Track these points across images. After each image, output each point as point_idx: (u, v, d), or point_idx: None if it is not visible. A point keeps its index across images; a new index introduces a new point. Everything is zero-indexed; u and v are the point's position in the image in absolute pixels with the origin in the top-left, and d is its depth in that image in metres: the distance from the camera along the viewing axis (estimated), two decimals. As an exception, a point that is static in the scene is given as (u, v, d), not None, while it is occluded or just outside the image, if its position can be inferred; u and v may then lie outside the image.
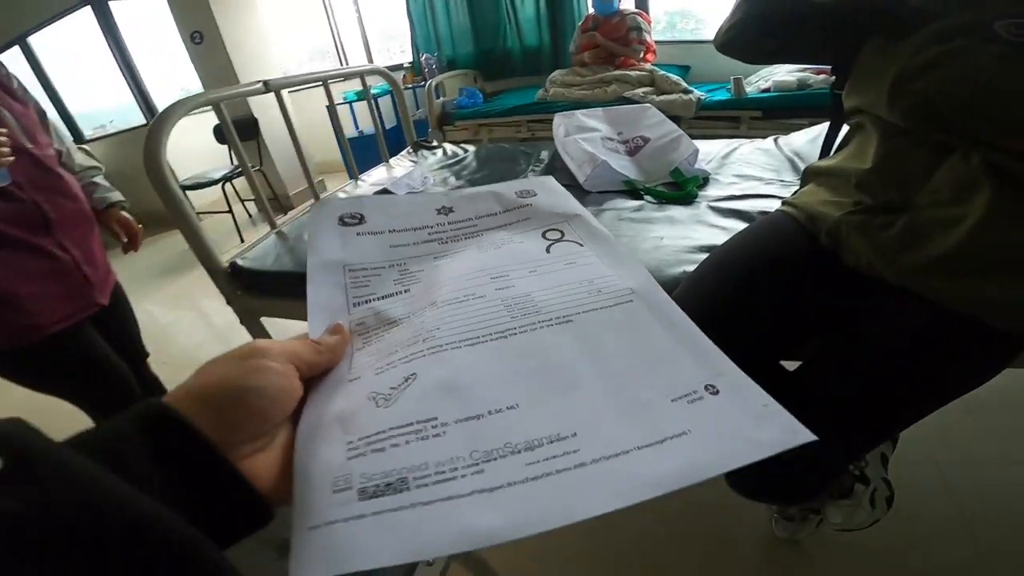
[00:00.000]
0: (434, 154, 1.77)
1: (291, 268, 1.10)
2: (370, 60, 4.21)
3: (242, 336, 1.21)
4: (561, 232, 0.43)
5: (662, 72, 2.62)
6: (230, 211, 3.23)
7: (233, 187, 3.31)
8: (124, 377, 1.06)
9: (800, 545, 1.01)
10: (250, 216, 3.63)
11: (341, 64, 4.28)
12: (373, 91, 3.31)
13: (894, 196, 0.63)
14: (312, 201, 1.48)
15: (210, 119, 3.45)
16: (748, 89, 2.52)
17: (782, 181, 1.26)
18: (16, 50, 3.66)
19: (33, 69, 3.72)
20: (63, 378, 0.99)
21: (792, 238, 0.72)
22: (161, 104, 3.81)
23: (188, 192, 3.24)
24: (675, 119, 2.43)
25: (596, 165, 1.25)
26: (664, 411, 0.27)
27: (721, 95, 2.60)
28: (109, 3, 3.52)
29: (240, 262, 1.12)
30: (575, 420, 0.26)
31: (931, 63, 0.59)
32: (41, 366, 0.95)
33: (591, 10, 2.97)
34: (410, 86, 3.60)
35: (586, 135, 1.42)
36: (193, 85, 3.69)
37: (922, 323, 0.59)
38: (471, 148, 1.76)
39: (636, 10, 2.95)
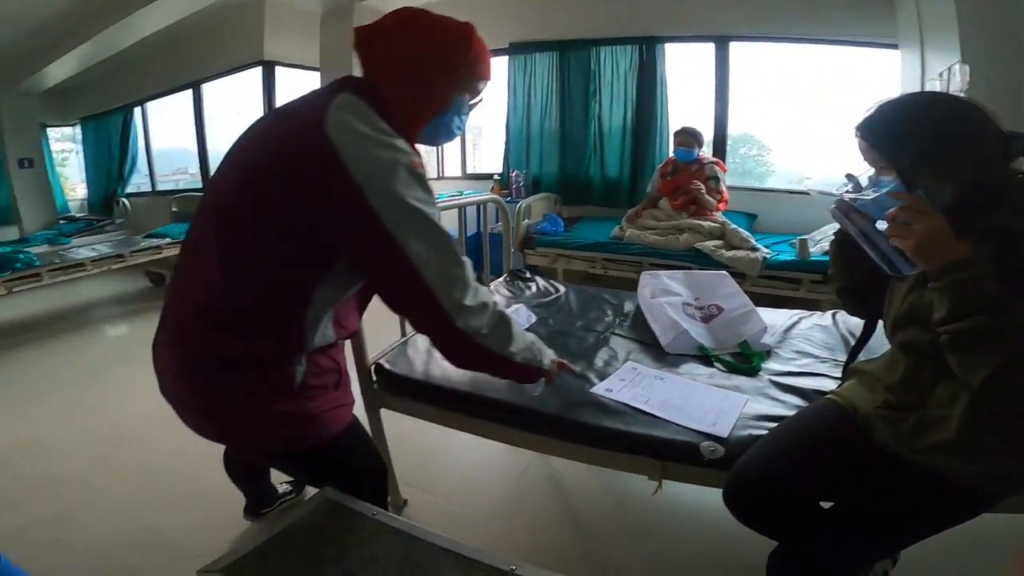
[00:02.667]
0: (528, 288, 2.16)
1: (421, 378, 1.46)
2: (463, 167, 4.89)
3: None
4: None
5: (733, 226, 2.99)
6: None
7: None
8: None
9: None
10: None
11: (438, 155, 5.01)
12: (463, 194, 3.83)
13: (913, 399, 0.96)
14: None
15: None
16: (813, 250, 2.84)
17: (835, 361, 1.51)
18: (188, 92, 5.05)
19: (195, 110, 5.02)
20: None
21: (837, 421, 1.07)
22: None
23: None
24: (740, 275, 2.78)
25: (678, 333, 1.58)
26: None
27: (785, 254, 2.94)
28: (275, 67, 4.48)
29: (384, 364, 1.50)
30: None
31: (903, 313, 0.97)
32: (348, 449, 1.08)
33: (671, 155, 3.44)
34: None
35: (669, 299, 1.77)
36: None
37: (920, 484, 0.92)
38: (560, 288, 2.14)
39: (714, 159, 3.35)
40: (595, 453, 1.26)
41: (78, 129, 6.71)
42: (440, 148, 4.94)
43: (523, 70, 4.25)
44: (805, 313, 1.92)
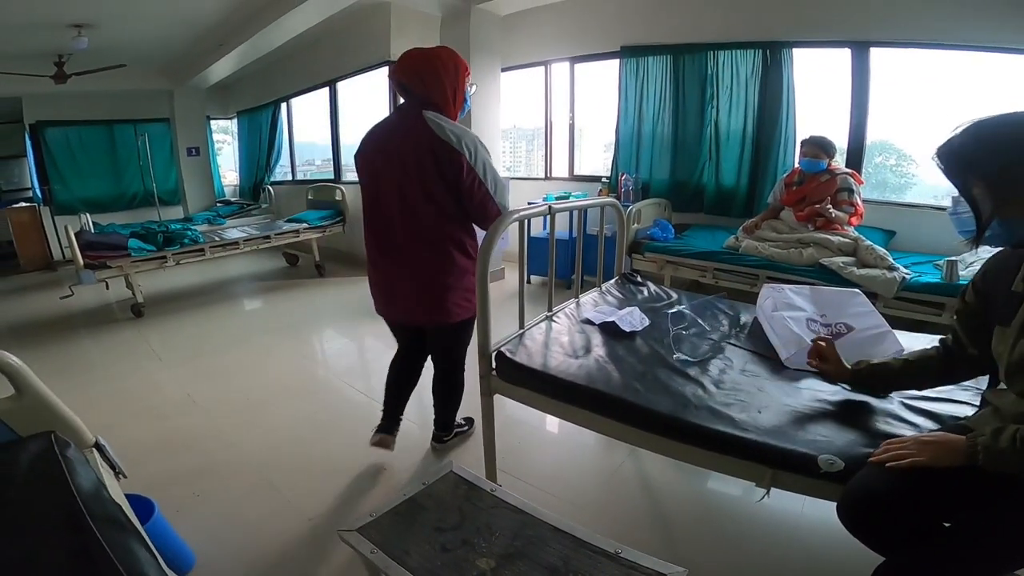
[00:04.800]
0: (640, 291, 2.15)
1: (539, 368, 1.53)
2: (571, 168, 4.95)
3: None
4: None
5: (868, 242, 2.75)
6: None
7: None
8: None
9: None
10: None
11: (547, 155, 5.10)
12: (571, 196, 3.78)
13: None
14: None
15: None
16: (962, 273, 2.54)
17: (978, 389, 1.33)
18: (325, 90, 5.61)
19: (331, 105, 5.57)
20: None
21: None
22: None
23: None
24: (872, 296, 2.56)
25: (801, 348, 1.51)
26: None
27: (929, 276, 2.65)
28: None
29: (505, 352, 1.59)
30: None
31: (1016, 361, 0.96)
32: None
33: (797, 165, 3.21)
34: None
35: (793, 314, 1.70)
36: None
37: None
38: (672, 293, 2.13)
39: (848, 170, 3.06)
40: (704, 455, 1.26)
41: (233, 122, 7.64)
42: (549, 149, 5.05)
43: (635, 73, 4.20)
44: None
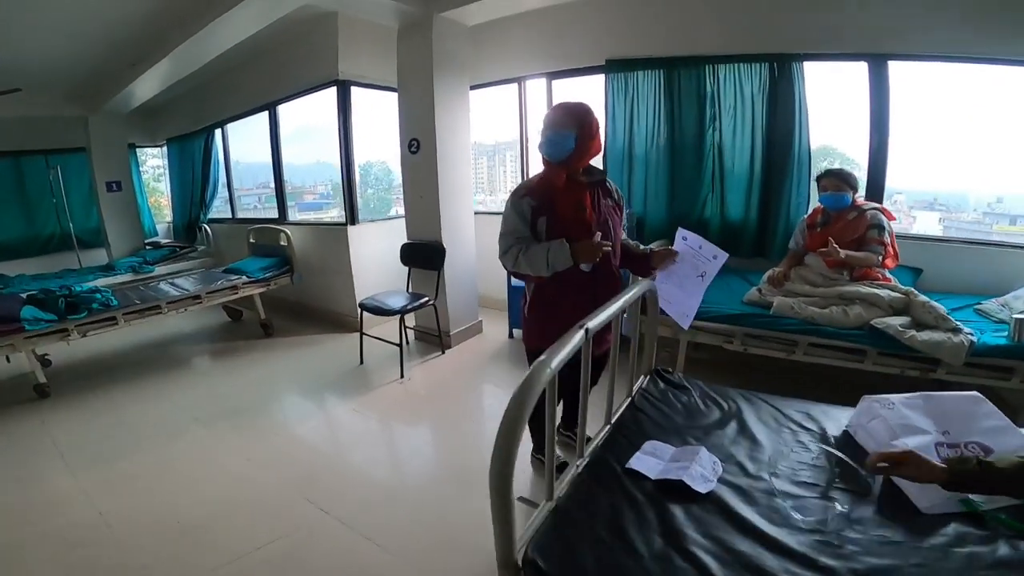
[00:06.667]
0: (679, 399, 1.65)
1: None
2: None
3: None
4: None
5: (923, 298, 2.36)
6: (400, 345, 3.42)
7: (403, 320, 3.45)
8: None
9: None
10: (407, 343, 3.73)
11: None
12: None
13: None
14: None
15: (399, 231, 3.87)
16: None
17: None
18: (264, 114, 4.85)
19: (271, 132, 4.83)
20: None
21: None
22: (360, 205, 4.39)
23: (365, 312, 3.42)
24: (931, 363, 2.18)
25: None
26: None
27: (989, 334, 2.27)
28: (351, 87, 4.18)
29: (535, 558, 1.03)
30: None
31: None
32: None
33: (819, 203, 2.82)
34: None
35: (917, 440, 1.26)
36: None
37: None
38: (722, 401, 1.63)
39: (876, 204, 2.74)
40: None
41: (164, 150, 6.83)
42: (526, 175, 4.47)
43: (623, 91, 3.73)
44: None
